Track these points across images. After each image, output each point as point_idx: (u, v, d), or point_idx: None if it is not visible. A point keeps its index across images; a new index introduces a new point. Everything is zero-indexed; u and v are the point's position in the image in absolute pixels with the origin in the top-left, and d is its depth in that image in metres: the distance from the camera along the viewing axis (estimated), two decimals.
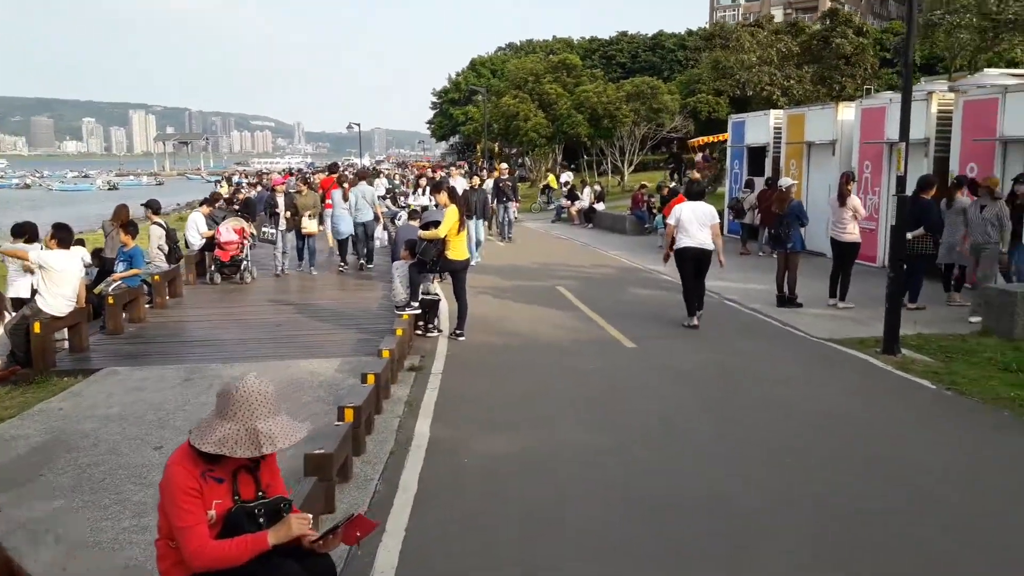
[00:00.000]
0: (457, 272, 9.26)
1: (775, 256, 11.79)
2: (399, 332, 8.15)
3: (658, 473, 5.31)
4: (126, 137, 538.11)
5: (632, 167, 38.22)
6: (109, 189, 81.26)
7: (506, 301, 11.76)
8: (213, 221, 13.92)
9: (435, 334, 9.47)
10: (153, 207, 11.23)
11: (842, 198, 10.58)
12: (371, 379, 6.26)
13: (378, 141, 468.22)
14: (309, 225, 13.99)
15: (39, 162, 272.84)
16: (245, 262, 13.68)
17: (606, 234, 22.19)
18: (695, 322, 9.59)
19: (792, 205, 11.04)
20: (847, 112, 15.62)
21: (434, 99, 75.41)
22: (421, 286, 9.32)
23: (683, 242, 9.48)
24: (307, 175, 21.82)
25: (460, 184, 17.07)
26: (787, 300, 10.74)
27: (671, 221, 9.79)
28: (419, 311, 9.24)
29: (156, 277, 11.10)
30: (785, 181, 12.11)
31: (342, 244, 14.78)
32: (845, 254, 10.63)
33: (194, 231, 13.71)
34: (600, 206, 25.19)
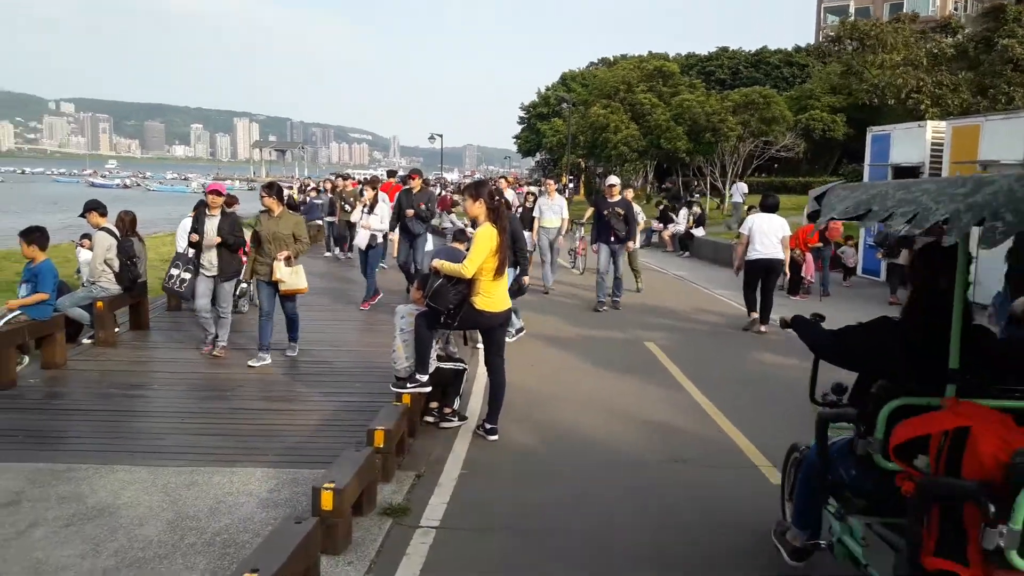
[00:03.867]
0: (491, 331, 5.88)
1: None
2: (378, 436, 4.80)
3: None
4: (230, 143, 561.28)
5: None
6: (203, 192, 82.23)
7: (570, 363, 8.28)
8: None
9: (454, 423, 6.09)
10: (99, 209, 8.30)
11: None
12: None
13: (469, 157, 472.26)
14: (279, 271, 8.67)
15: (149, 164, 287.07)
16: (242, 285, 10.67)
17: (707, 266, 18.37)
18: (760, 327, 9.87)
19: None
20: None
21: (522, 113, 72.81)
22: (435, 347, 5.98)
23: (754, 254, 9.70)
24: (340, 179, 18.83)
25: (512, 197, 14.16)
26: None
27: (743, 231, 9.91)
28: (428, 388, 5.89)
29: (99, 304, 8.14)
30: None
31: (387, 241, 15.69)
32: None
33: (182, 240, 10.73)
34: (699, 231, 21.38)
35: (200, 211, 7.87)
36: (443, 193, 30.94)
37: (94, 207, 8.40)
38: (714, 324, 10.72)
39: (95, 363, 7.66)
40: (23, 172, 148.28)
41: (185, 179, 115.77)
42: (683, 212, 22.81)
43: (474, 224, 5.85)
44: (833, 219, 3.22)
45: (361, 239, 11.00)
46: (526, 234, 12.02)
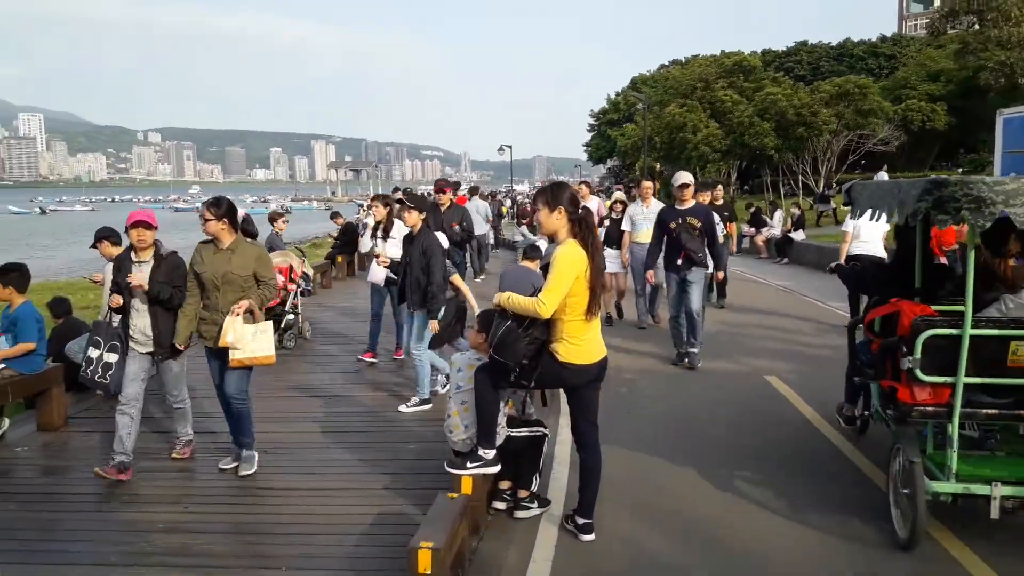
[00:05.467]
0: (579, 390, 4.21)
1: None
2: (423, 559, 3.27)
3: None
4: (308, 165, 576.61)
5: (833, 189, 31.35)
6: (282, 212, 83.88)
7: (678, 413, 6.55)
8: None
9: (533, 511, 4.50)
10: (112, 238, 7.01)
11: None
12: None
13: (539, 168, 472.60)
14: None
15: (231, 188, 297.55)
16: (289, 316, 9.37)
17: (811, 274, 16.25)
18: None
19: None
20: None
21: (591, 121, 71.30)
22: (503, 411, 4.41)
23: (857, 249, 8.94)
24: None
25: (596, 206, 11.46)
26: None
27: (847, 228, 9.23)
28: (496, 467, 4.32)
29: None
30: None
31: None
32: None
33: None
34: (799, 235, 19.24)
35: (124, 257, 5.27)
36: (501, 200, 29.67)
37: (105, 236, 7.11)
38: (837, 347, 8.78)
39: (103, 422, 6.36)
40: (113, 200, 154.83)
41: (264, 201, 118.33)
42: (778, 214, 20.69)
43: (551, 241, 4.27)
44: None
45: (376, 274, 7.85)
46: (612, 253, 9.78)
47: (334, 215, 17.28)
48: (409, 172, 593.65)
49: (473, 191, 18.05)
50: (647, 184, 10.12)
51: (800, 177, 31.29)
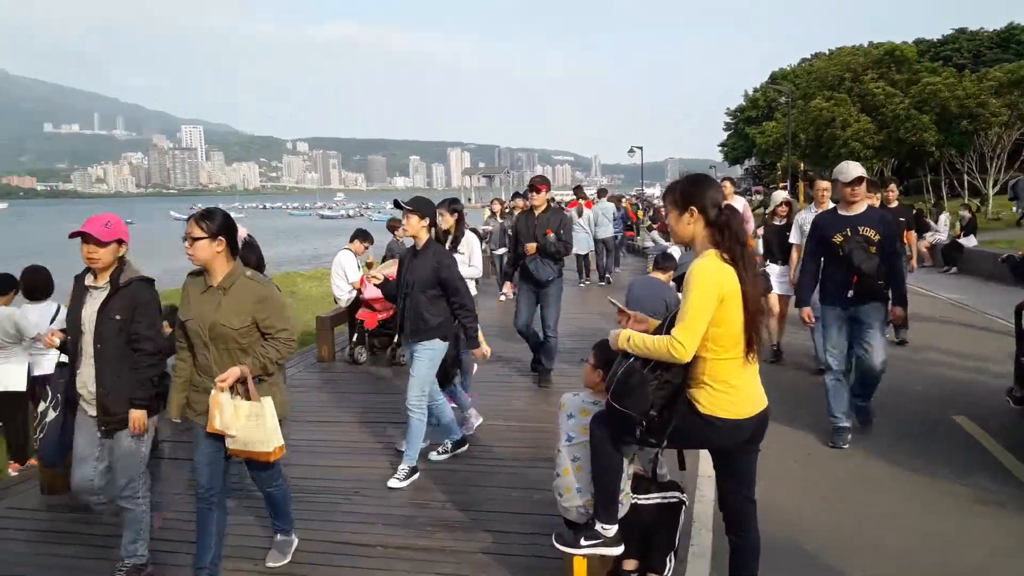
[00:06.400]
0: (727, 452, 3.22)
1: None
2: None
3: None
4: (444, 172, 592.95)
5: (997, 187, 28.16)
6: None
7: (859, 470, 5.37)
8: (367, 266, 9.38)
9: None
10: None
11: None
12: None
13: (670, 171, 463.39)
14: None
15: (373, 195, 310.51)
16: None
17: (986, 286, 14.28)
18: None
19: None
20: None
21: (727, 119, 68.60)
22: (627, 471, 3.55)
23: None
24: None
25: (742, 206, 9.68)
26: None
27: None
28: (618, 549, 3.46)
29: None
30: None
31: (579, 260, 15.04)
32: None
33: (340, 279, 9.13)
34: (970, 241, 17.08)
35: (78, 286, 3.80)
36: (636, 203, 28.34)
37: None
38: None
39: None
40: (264, 207, 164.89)
41: None
42: (943, 218, 18.52)
43: (688, 249, 3.34)
44: None
45: None
46: (777, 270, 8.08)
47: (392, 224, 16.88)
48: None
49: (601, 193, 17.23)
50: (823, 184, 7.43)
51: (965, 176, 28.27)
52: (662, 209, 23.16)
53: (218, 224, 3.47)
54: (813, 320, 5.85)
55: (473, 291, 6.60)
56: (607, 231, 15.24)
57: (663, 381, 3.02)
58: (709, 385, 3.01)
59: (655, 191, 79.14)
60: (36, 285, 5.77)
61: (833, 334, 5.63)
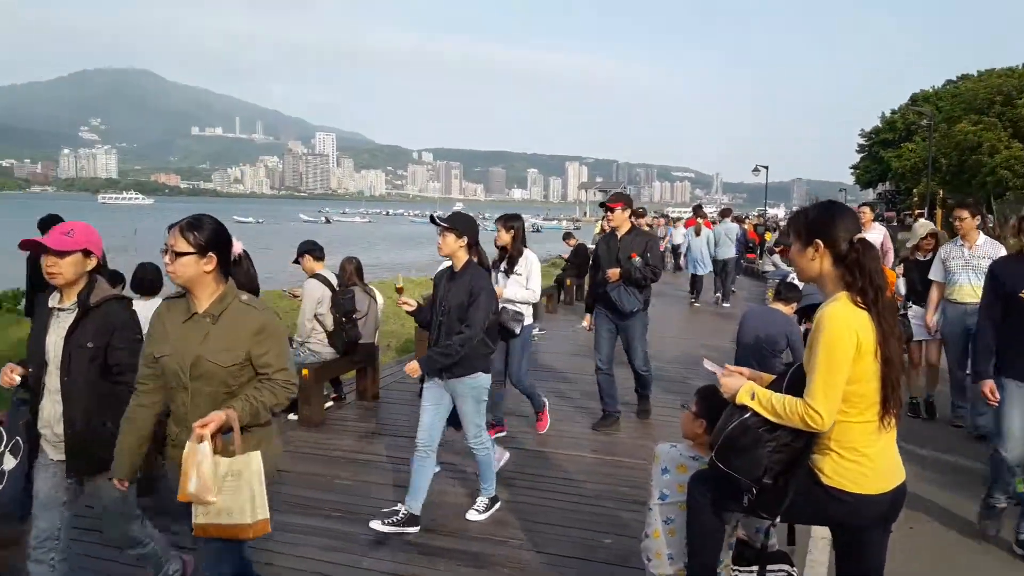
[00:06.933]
0: (853, 531, 2.66)
1: None
2: None
3: None
4: (561, 186, 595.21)
5: None
6: (533, 231, 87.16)
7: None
8: None
9: None
10: (314, 252, 6.61)
11: None
12: None
13: (796, 192, 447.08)
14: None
15: (490, 206, 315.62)
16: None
17: None
18: None
19: None
20: None
21: (861, 141, 65.34)
22: (729, 538, 3.11)
23: None
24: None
25: (879, 237, 8.62)
26: None
27: None
28: None
29: (305, 371, 6.52)
30: None
31: (695, 280, 15.09)
32: None
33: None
34: None
35: (41, 308, 3.24)
36: (764, 225, 27.12)
37: (308, 250, 6.80)
38: None
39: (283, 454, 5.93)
40: (387, 214, 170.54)
41: None
42: None
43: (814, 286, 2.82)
44: None
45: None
46: (916, 312, 6.90)
47: (566, 236, 16.64)
48: (658, 193, 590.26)
49: (724, 213, 16.83)
50: (967, 216, 6.25)
51: None
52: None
53: (207, 236, 2.77)
54: (998, 398, 4.43)
55: (528, 319, 6.04)
56: (729, 252, 14.88)
57: (782, 443, 2.54)
58: (836, 452, 2.53)
59: (779, 212, 76.31)
60: (143, 280, 5.90)
61: (1015, 417, 4.30)
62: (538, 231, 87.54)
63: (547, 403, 6.52)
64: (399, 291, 4.92)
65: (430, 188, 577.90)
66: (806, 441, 2.55)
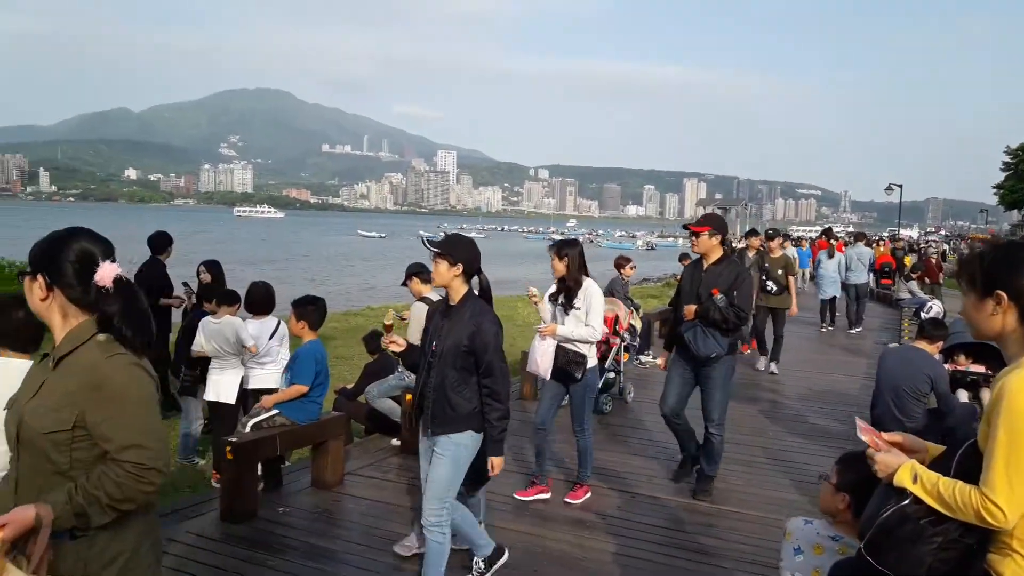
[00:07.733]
0: None
1: None
2: None
3: None
4: (678, 203, 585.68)
5: None
6: (647, 249, 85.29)
7: None
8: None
9: None
10: (422, 274, 6.39)
11: None
12: None
13: (932, 211, 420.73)
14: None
15: (604, 223, 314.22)
16: (610, 375, 8.21)
17: None
18: None
19: None
20: None
21: (1007, 158, 60.62)
22: None
23: None
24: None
25: None
26: None
27: None
28: None
29: (408, 396, 6.35)
30: None
31: (824, 305, 14.69)
32: None
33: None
34: None
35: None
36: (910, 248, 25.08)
37: (416, 272, 6.58)
38: None
39: (379, 481, 5.75)
40: (502, 229, 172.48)
41: (632, 236, 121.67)
42: None
43: (981, 334, 2.18)
44: None
45: (538, 360, 5.09)
46: None
47: (682, 257, 16.01)
48: (781, 211, 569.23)
49: (858, 237, 16.35)
50: None
51: None
52: (932, 257, 20.27)
53: (32, 254, 2.07)
54: None
55: (592, 360, 5.16)
56: (860, 277, 14.45)
57: (949, 539, 2.06)
58: (1019, 553, 2.01)
59: (912, 232, 71.81)
60: (255, 300, 5.96)
61: None
62: (652, 248, 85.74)
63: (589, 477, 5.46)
64: (388, 328, 4.62)
65: (545, 204, 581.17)
66: (980, 537, 2.06)
